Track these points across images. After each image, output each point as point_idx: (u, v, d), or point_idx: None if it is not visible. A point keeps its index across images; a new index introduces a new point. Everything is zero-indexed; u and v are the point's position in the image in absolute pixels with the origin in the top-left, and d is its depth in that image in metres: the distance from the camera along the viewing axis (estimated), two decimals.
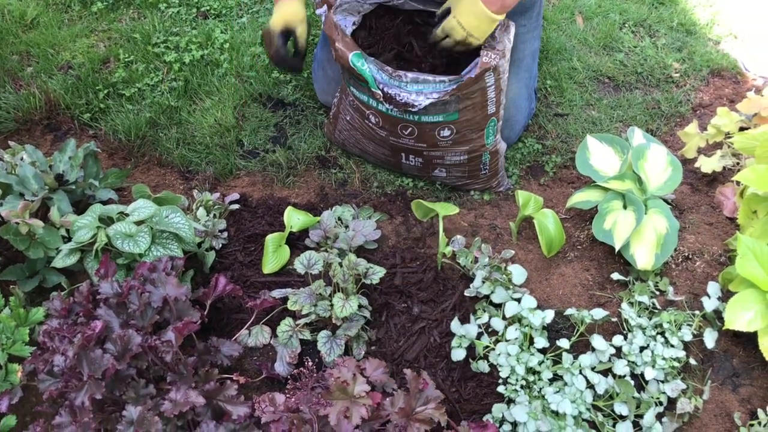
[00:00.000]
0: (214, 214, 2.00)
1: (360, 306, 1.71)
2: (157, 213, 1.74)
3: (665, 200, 1.99)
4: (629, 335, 1.72)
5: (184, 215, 1.76)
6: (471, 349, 1.73)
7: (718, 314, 1.75)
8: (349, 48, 1.83)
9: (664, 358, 1.66)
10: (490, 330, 1.75)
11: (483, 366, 1.69)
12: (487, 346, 1.72)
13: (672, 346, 1.69)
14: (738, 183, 1.98)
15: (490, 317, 1.75)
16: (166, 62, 2.51)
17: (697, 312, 1.77)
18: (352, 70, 1.82)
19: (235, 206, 2.05)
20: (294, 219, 1.94)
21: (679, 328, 1.72)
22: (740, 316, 1.59)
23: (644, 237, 1.82)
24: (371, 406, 1.39)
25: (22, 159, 1.86)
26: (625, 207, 1.85)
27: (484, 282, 1.80)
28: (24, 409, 1.62)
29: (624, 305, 1.78)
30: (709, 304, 1.75)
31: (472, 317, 1.78)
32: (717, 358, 1.73)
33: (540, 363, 1.66)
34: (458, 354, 1.71)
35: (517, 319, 1.74)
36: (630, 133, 2.01)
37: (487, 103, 1.87)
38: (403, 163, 2.06)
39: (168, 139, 2.27)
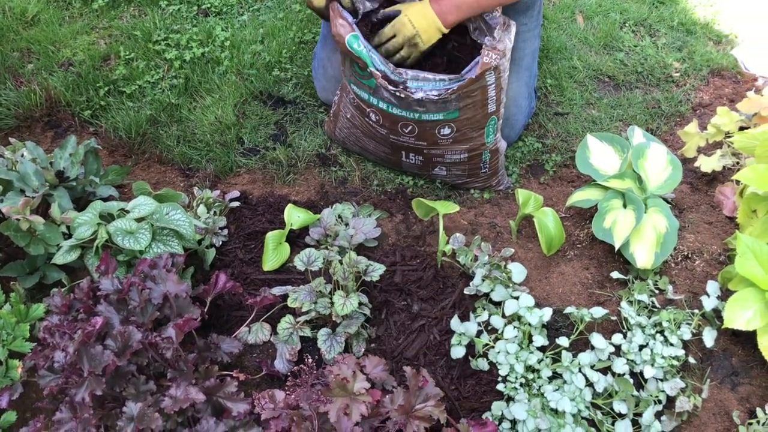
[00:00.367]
0: (215, 212, 2.00)
1: (360, 303, 1.72)
2: (157, 210, 1.75)
3: (665, 199, 2.00)
4: (628, 334, 1.72)
5: (185, 212, 1.76)
6: (470, 346, 1.74)
7: (717, 313, 1.75)
8: (346, 30, 1.83)
9: (663, 357, 1.66)
10: (489, 328, 1.76)
11: (482, 364, 1.70)
12: (487, 344, 1.72)
13: (671, 344, 1.69)
14: (738, 182, 1.98)
15: (489, 315, 1.76)
16: (167, 60, 2.51)
17: (696, 311, 1.77)
18: (350, 53, 1.82)
19: (236, 204, 2.06)
20: (294, 216, 1.95)
21: (679, 327, 1.73)
22: (739, 315, 1.59)
23: (644, 236, 1.82)
24: (371, 404, 1.39)
25: (22, 156, 1.86)
26: (625, 206, 1.86)
27: (483, 280, 1.80)
28: (24, 405, 1.62)
29: (623, 304, 1.78)
30: (709, 302, 1.75)
31: (471, 315, 1.78)
32: (716, 357, 1.73)
33: (539, 361, 1.67)
34: (458, 352, 1.72)
35: (516, 317, 1.74)
36: (630, 132, 2.02)
37: (487, 101, 1.87)
38: (404, 161, 2.06)
39: (168, 137, 2.27)
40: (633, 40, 2.62)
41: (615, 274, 1.85)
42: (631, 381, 1.62)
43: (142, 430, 1.35)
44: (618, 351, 1.71)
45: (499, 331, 1.73)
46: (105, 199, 1.91)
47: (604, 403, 1.62)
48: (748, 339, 1.73)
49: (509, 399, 1.64)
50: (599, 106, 2.39)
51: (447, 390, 1.67)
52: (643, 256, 1.81)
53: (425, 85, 1.80)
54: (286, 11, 2.74)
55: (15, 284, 1.74)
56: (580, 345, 1.73)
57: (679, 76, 2.49)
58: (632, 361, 1.68)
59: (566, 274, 1.91)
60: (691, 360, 1.69)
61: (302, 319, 1.72)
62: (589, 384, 1.63)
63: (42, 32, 2.61)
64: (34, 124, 2.34)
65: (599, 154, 1.98)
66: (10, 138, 1.96)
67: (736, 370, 1.71)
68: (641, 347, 1.70)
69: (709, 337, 1.71)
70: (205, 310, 1.65)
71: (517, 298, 1.76)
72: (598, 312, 1.72)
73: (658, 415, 1.61)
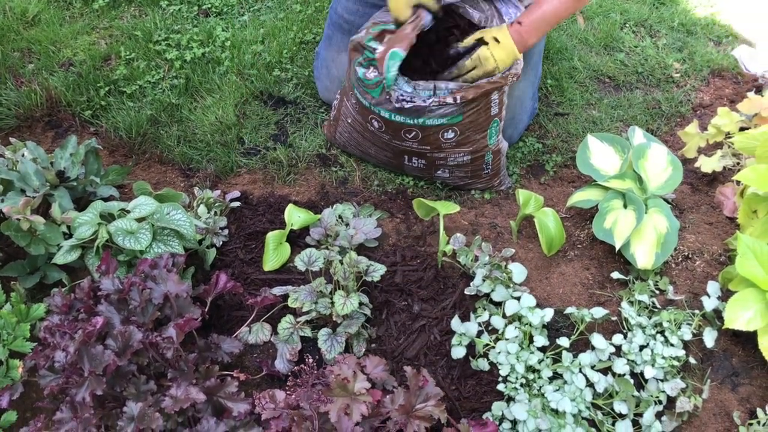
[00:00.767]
0: (215, 212, 2.00)
1: (360, 303, 1.72)
2: (158, 210, 1.75)
3: (665, 200, 2.00)
4: (629, 334, 1.72)
5: (185, 212, 1.76)
6: (471, 347, 1.74)
7: (717, 313, 1.75)
8: (395, 43, 1.80)
9: (663, 357, 1.66)
10: (490, 328, 1.76)
11: (483, 364, 1.70)
12: (487, 344, 1.72)
13: (672, 345, 1.69)
14: (738, 183, 1.98)
15: (490, 315, 1.76)
16: (168, 60, 2.51)
17: (696, 311, 1.77)
18: (381, 61, 1.80)
19: (236, 204, 2.06)
20: (295, 217, 1.95)
21: (679, 327, 1.73)
22: (740, 316, 1.59)
23: (644, 236, 1.82)
24: (371, 403, 1.39)
25: (23, 156, 1.87)
26: (625, 206, 1.86)
27: (484, 280, 1.80)
28: (25, 405, 1.62)
29: (624, 304, 1.78)
30: (709, 303, 1.75)
31: (472, 315, 1.78)
32: (716, 357, 1.73)
33: (540, 361, 1.67)
34: (458, 352, 1.71)
35: (517, 318, 1.74)
36: (630, 133, 2.02)
37: (490, 105, 1.87)
38: (406, 164, 2.06)
39: (169, 137, 2.27)
40: (633, 41, 2.62)
41: (615, 275, 1.85)
42: (632, 381, 1.62)
43: (143, 430, 1.35)
44: (618, 351, 1.71)
45: (500, 332, 1.73)
46: (105, 199, 1.91)
47: (604, 404, 1.62)
48: (748, 339, 1.73)
49: (510, 399, 1.64)
50: (600, 107, 2.39)
51: (447, 390, 1.67)
52: (644, 257, 1.81)
53: (439, 92, 1.81)
54: (287, 11, 2.74)
55: (15, 284, 1.74)
56: (581, 345, 1.73)
57: (680, 77, 2.49)
58: (633, 361, 1.68)
59: (567, 275, 1.91)
60: (692, 360, 1.69)
61: (303, 319, 1.72)
62: (590, 384, 1.63)
63: (42, 32, 2.61)
64: (34, 124, 2.34)
65: (600, 155, 1.98)
66: (10, 138, 1.96)
67: (737, 370, 1.71)
68: (642, 347, 1.70)
69: (709, 338, 1.71)
70: (206, 310, 1.65)
71: (517, 298, 1.76)
72: (599, 312, 1.72)
73: (658, 416, 1.61)
